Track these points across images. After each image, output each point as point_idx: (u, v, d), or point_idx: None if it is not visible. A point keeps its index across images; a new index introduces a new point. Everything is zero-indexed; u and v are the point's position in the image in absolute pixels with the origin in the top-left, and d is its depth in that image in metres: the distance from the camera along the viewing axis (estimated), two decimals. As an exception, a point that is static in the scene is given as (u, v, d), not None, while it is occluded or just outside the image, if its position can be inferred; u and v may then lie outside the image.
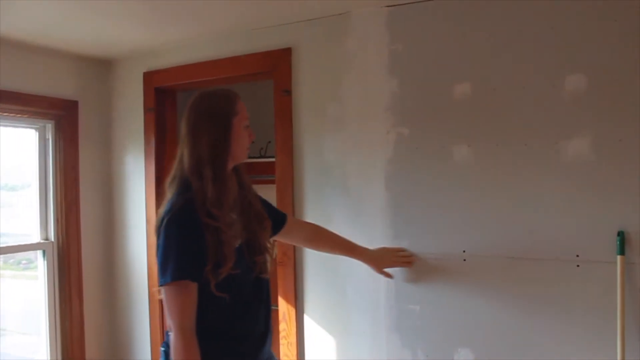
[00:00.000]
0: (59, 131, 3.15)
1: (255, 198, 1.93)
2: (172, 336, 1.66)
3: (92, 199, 3.32)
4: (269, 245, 1.92)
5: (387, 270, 2.32)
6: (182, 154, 1.77)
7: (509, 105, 2.10)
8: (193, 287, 1.67)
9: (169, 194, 1.77)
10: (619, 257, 1.87)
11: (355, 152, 2.46)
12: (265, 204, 2.03)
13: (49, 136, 3.15)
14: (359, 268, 2.42)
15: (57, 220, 3.16)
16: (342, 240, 2.32)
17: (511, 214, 2.10)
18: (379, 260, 2.32)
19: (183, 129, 1.78)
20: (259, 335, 1.86)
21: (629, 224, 1.89)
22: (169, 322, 1.67)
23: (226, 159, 1.76)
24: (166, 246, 1.66)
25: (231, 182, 1.79)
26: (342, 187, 2.50)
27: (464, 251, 2.20)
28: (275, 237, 2.11)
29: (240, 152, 1.82)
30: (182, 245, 1.66)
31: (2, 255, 3.12)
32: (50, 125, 3.15)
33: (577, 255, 1.97)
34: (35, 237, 3.14)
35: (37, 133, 3.14)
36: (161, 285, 1.67)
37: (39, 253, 3.14)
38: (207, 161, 1.72)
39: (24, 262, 3.23)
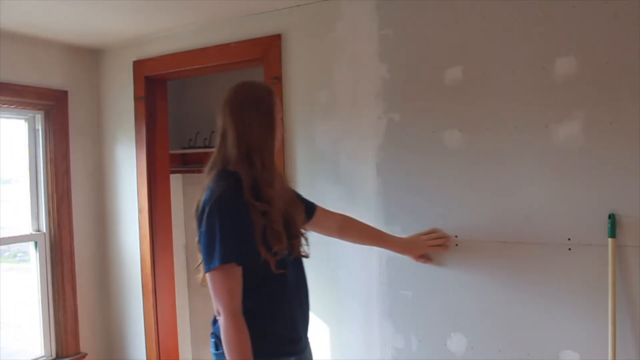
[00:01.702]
0: (48, 121, 3.13)
1: (288, 183, 1.97)
2: (221, 320, 1.67)
3: (83, 189, 3.31)
4: (303, 229, 1.93)
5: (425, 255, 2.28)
6: (226, 141, 1.78)
7: (500, 89, 2.08)
8: (239, 270, 1.68)
9: (208, 181, 1.77)
10: (610, 240, 1.87)
11: (346, 139, 2.45)
12: (296, 192, 2.05)
13: (39, 127, 3.14)
14: (351, 254, 2.43)
15: (48, 211, 3.15)
16: (372, 230, 2.30)
17: (503, 198, 2.10)
18: (413, 246, 2.27)
19: (227, 118, 1.78)
20: (301, 318, 1.89)
21: (620, 206, 1.88)
22: (217, 306, 1.69)
23: (273, 144, 1.81)
24: (210, 232, 1.67)
25: (276, 167, 1.82)
26: (334, 174, 2.49)
27: (456, 236, 2.20)
28: (306, 226, 2.05)
29: (278, 142, 1.87)
30: (226, 231, 1.66)
31: (-4, 248, 3.12)
32: (40, 115, 3.13)
33: (569, 239, 1.97)
34: (27, 229, 3.13)
35: (27, 124, 3.13)
36: (208, 271, 1.68)
37: (31, 245, 3.12)
38: (257, 148, 1.74)
39: (19, 254, 3.22)
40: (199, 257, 1.78)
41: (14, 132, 3.14)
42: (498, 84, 2.09)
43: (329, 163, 2.51)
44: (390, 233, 2.32)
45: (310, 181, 2.56)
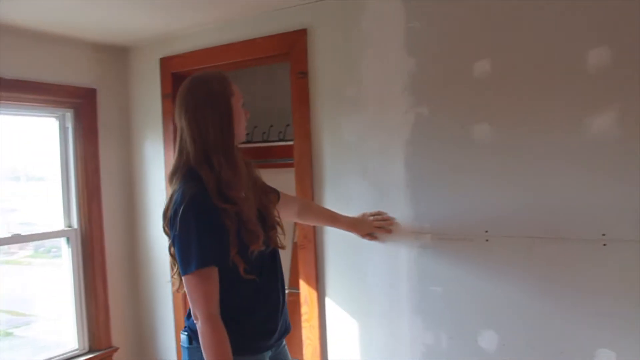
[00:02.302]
0: (78, 119, 3.17)
1: (258, 172, 1.93)
2: (199, 324, 1.65)
3: (113, 185, 3.34)
4: (278, 218, 1.92)
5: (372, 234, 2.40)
6: (184, 144, 1.74)
7: (531, 82, 2.03)
8: (216, 273, 1.67)
9: (174, 186, 1.74)
10: (647, 235, 1.82)
11: (374, 134, 2.43)
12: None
13: (69, 124, 3.18)
14: (379, 249, 2.41)
15: (79, 208, 3.19)
16: (326, 211, 2.41)
17: (534, 193, 2.05)
18: (361, 225, 2.38)
19: (181, 118, 1.74)
20: (280, 307, 1.88)
21: (657, 201, 1.83)
22: (195, 310, 1.67)
23: (233, 141, 1.75)
24: (185, 236, 1.65)
25: (240, 162, 1.77)
26: (361, 170, 2.46)
27: (486, 231, 2.16)
28: None
29: (241, 131, 1.82)
30: (202, 233, 1.64)
31: (32, 244, 3.19)
32: (69, 113, 3.17)
33: (603, 234, 1.92)
34: (59, 225, 3.18)
35: (57, 122, 3.17)
36: (184, 275, 1.66)
37: (63, 240, 3.18)
38: (215, 147, 1.70)
39: (53, 250, 3.27)
40: (173, 263, 1.76)
41: (45, 129, 3.19)
42: (529, 76, 2.03)
43: (356, 159, 2.48)
44: (375, 210, 2.40)
45: (337, 177, 2.54)
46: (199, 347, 1.68)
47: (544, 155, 2.02)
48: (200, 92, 1.74)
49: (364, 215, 2.40)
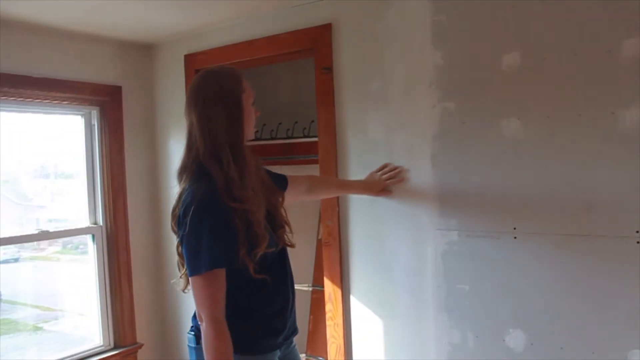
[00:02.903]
0: (104, 117, 3.20)
1: (265, 172, 1.90)
2: (203, 326, 1.64)
3: (138, 183, 3.37)
4: (286, 217, 1.90)
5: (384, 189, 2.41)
6: (193, 139, 1.72)
7: (561, 74, 1.98)
8: (224, 275, 1.65)
9: (183, 184, 1.72)
10: (683, 232, 1.76)
11: (400, 129, 2.39)
12: (269, 173, 1.99)
13: (95, 122, 3.21)
14: (405, 247, 2.38)
15: (105, 205, 3.22)
16: (336, 180, 2.44)
17: (564, 189, 2.00)
18: (372, 185, 2.39)
19: (191, 114, 1.72)
20: (290, 307, 1.86)
21: (694, 196, 1.77)
22: (199, 312, 1.65)
23: (242, 138, 1.73)
24: (195, 237, 1.63)
25: (249, 160, 1.74)
26: (387, 166, 2.43)
27: (514, 228, 2.11)
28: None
29: (251, 129, 1.80)
30: (212, 234, 1.62)
31: (61, 240, 3.23)
32: (95, 111, 3.20)
33: (637, 232, 1.86)
34: (85, 222, 3.21)
35: (83, 119, 3.19)
36: (192, 276, 1.64)
37: (89, 237, 3.20)
38: (224, 144, 1.68)
39: (81, 246, 3.31)
40: (181, 263, 1.75)
41: (72, 127, 3.22)
42: (559, 69, 1.98)
43: (382, 155, 2.45)
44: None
45: (362, 174, 2.50)
46: None
47: (574, 150, 1.97)
48: (211, 87, 1.72)
49: (371, 174, 2.42)
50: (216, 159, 1.67)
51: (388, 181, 2.37)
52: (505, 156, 2.12)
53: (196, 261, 1.62)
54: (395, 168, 2.37)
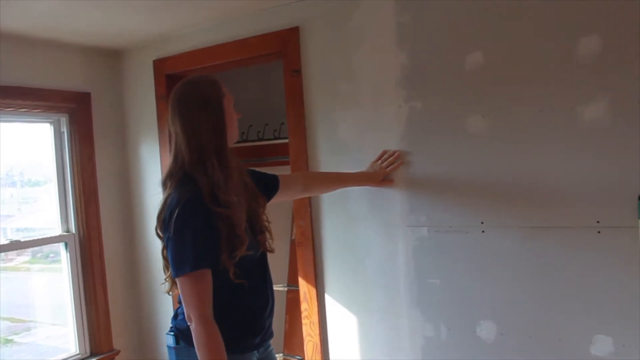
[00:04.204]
0: (73, 124, 3.17)
1: (248, 176, 1.92)
2: (192, 326, 1.66)
3: (110, 189, 3.35)
4: (267, 222, 1.93)
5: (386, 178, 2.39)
6: (179, 149, 1.75)
7: (523, 72, 2.05)
8: (209, 274, 1.68)
9: (169, 190, 1.74)
10: (640, 221, 1.84)
11: (369, 129, 2.44)
12: (255, 174, 2.02)
13: (64, 129, 3.18)
14: (377, 244, 2.43)
15: (77, 212, 3.19)
16: (332, 174, 2.43)
17: (529, 183, 2.07)
18: (373, 175, 2.36)
19: (175, 124, 1.75)
20: (269, 310, 1.89)
21: (650, 187, 1.85)
22: (188, 312, 1.67)
23: (226, 143, 1.76)
24: (179, 238, 1.66)
25: (233, 165, 1.77)
26: (357, 165, 2.46)
27: (482, 222, 2.17)
28: (275, 199, 2.10)
29: (234, 133, 1.83)
30: (196, 235, 1.65)
31: (30, 250, 3.19)
32: (64, 118, 3.17)
33: (598, 222, 1.94)
34: (57, 230, 3.18)
35: (52, 127, 3.17)
36: (179, 277, 1.66)
37: (62, 245, 3.18)
38: (209, 150, 1.71)
39: (51, 255, 3.28)
40: (166, 266, 1.77)
41: (40, 135, 3.19)
42: (520, 67, 2.05)
43: (352, 154, 2.49)
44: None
45: (333, 173, 2.54)
46: (186, 347, 1.70)
47: (537, 145, 2.04)
48: (192, 96, 1.75)
49: (371, 164, 2.39)
50: (202, 166, 1.71)
51: (388, 168, 2.35)
52: (471, 153, 2.18)
53: (181, 262, 1.65)
54: (393, 154, 2.35)
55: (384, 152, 2.38)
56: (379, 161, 2.37)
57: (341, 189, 2.46)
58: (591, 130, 1.93)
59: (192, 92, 1.76)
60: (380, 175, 2.35)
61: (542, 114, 2.02)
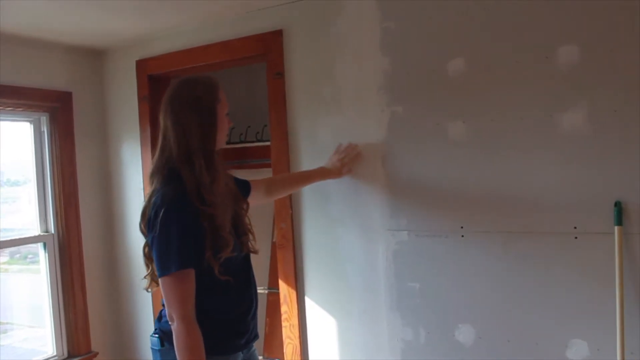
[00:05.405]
0: (54, 123, 3.15)
1: (231, 180, 1.94)
2: (174, 326, 1.66)
3: (90, 189, 3.32)
4: (249, 225, 1.95)
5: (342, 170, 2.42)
6: (168, 144, 1.76)
7: (503, 80, 2.07)
8: (193, 275, 1.68)
9: (155, 185, 1.75)
10: (616, 227, 1.86)
11: (350, 133, 2.45)
12: (234, 180, 2.03)
13: (45, 128, 3.15)
14: (358, 247, 2.44)
15: (56, 213, 3.16)
16: (294, 175, 2.49)
17: (508, 189, 2.09)
18: (332, 169, 2.40)
19: (167, 119, 1.76)
20: (253, 311, 1.90)
21: (626, 194, 1.88)
22: (170, 312, 1.67)
23: (214, 146, 1.77)
24: (164, 238, 1.66)
25: (219, 167, 1.78)
26: (338, 169, 2.48)
27: (462, 227, 2.19)
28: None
29: (223, 138, 1.85)
30: (181, 235, 1.66)
31: (7, 250, 3.15)
32: (45, 117, 3.14)
33: (575, 227, 1.97)
34: (36, 230, 3.15)
35: (32, 126, 3.14)
36: (162, 277, 1.67)
37: (40, 245, 3.15)
38: (197, 149, 1.72)
39: (30, 256, 3.24)
40: (147, 263, 1.79)
41: (20, 134, 3.15)
42: (501, 74, 2.08)
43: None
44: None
45: (315, 176, 2.55)
46: (171, 348, 1.70)
47: (517, 151, 2.06)
48: (187, 95, 1.76)
49: (330, 159, 2.43)
50: (189, 163, 1.72)
51: (347, 162, 2.39)
52: (451, 158, 2.20)
53: (166, 261, 1.65)
54: (348, 147, 2.40)
55: (339, 147, 2.43)
56: (335, 155, 2.42)
57: (307, 185, 2.51)
58: (570, 137, 1.96)
59: (187, 90, 1.78)
60: (339, 168, 2.39)
61: (522, 121, 2.04)
